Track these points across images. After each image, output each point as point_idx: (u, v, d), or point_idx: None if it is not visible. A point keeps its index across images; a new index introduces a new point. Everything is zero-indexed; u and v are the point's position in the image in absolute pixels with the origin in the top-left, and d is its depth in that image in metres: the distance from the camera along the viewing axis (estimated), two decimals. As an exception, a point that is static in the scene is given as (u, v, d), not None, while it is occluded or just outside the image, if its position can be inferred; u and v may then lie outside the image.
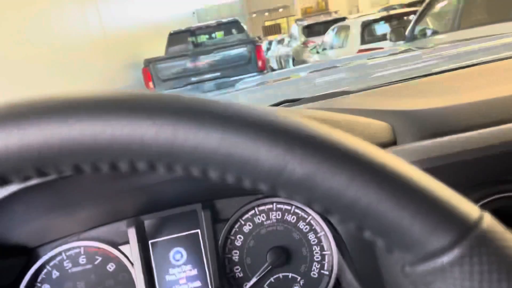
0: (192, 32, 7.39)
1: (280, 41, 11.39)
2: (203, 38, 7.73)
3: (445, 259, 0.18)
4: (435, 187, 0.19)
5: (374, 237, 0.20)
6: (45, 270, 0.63)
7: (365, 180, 0.19)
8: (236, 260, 0.65)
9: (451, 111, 0.47)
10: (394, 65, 1.34)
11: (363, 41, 5.30)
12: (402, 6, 8.62)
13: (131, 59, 7.48)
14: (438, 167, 0.40)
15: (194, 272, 0.64)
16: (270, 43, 13.77)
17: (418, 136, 0.46)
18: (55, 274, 0.63)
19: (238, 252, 0.65)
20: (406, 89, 0.70)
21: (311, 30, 8.63)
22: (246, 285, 0.64)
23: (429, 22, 4.22)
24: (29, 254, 0.63)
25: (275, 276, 0.64)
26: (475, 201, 0.41)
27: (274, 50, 11.74)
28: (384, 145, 0.47)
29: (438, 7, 4.13)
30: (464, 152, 0.40)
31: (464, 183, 0.44)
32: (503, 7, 3.21)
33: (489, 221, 0.19)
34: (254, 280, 0.63)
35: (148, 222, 0.64)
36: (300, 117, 0.21)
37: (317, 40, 7.51)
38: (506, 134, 0.40)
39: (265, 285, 0.64)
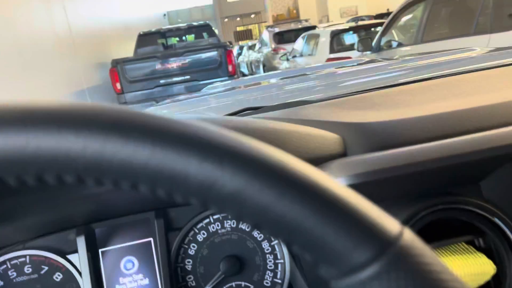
0: (162, 33, 7.31)
1: (251, 47, 11.45)
2: (173, 40, 7.64)
3: (365, 274, 0.19)
4: (358, 204, 0.20)
5: (302, 252, 0.20)
6: None
7: (292, 197, 0.20)
8: (189, 269, 0.64)
9: (399, 124, 0.49)
10: (361, 75, 1.37)
11: (332, 50, 5.41)
12: (370, 17, 8.86)
13: (99, 59, 7.32)
14: (383, 179, 0.41)
15: (146, 281, 0.63)
16: (241, 48, 13.83)
17: (367, 148, 0.47)
18: None
19: (191, 261, 0.64)
20: (363, 101, 0.71)
21: (282, 37, 8.73)
22: None
23: (394, 34, 4.36)
24: None
25: (227, 285, 0.64)
26: (417, 212, 0.42)
27: (245, 56, 11.79)
28: (334, 156, 0.48)
29: (403, 20, 4.27)
30: (408, 165, 0.41)
31: (408, 195, 0.45)
32: (463, 23, 3.36)
33: (408, 237, 0.20)
34: (206, 289, 0.63)
35: (99, 230, 0.63)
36: (231, 132, 0.21)
37: (287, 47, 7.59)
38: (447, 148, 0.41)
39: None
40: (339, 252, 0.19)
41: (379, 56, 4.00)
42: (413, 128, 0.47)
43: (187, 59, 5.75)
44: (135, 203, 0.62)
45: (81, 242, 0.60)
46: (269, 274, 0.64)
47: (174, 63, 5.73)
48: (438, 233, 0.45)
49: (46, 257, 0.61)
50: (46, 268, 0.62)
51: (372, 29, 5.67)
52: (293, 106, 0.80)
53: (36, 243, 0.62)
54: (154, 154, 0.19)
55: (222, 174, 0.20)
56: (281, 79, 1.70)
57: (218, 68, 5.73)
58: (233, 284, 0.64)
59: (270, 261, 0.64)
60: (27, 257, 0.61)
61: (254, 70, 9.86)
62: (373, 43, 4.33)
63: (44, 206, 0.54)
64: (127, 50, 7.23)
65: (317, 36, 5.97)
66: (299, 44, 6.60)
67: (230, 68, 5.74)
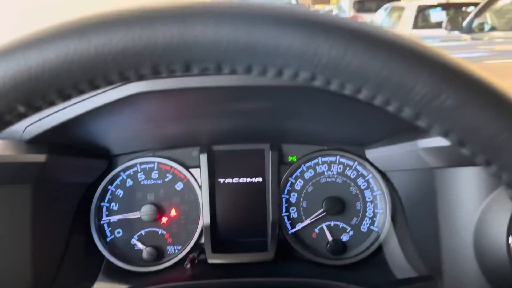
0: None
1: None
2: None
3: None
4: None
5: (500, 172, 0.23)
6: (120, 178, 0.69)
7: None
8: (293, 201, 0.69)
9: None
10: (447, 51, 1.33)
11: (415, 26, 5.13)
12: (463, -5, 8.17)
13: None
14: None
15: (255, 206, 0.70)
16: (316, 12, 13.38)
17: None
18: (129, 182, 0.69)
19: (296, 194, 0.69)
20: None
21: (362, 6, 8.36)
22: (298, 225, 0.69)
23: (488, 18, 4.05)
24: (110, 161, 0.69)
25: (327, 223, 0.69)
26: None
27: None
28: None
29: (500, 3, 3.94)
30: None
31: None
32: None
33: None
34: (307, 222, 0.68)
35: (218, 152, 0.69)
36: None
37: (367, 17, 7.28)
38: None
39: (315, 229, 0.69)
40: None
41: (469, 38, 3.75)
42: None
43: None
44: (253, 133, 0.67)
45: (203, 159, 0.67)
46: (367, 221, 0.68)
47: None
48: None
49: (171, 167, 0.69)
50: (170, 176, 0.69)
51: (464, 8, 5.28)
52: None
53: (164, 153, 0.70)
54: (386, 64, 0.23)
55: (448, 88, 0.23)
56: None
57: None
58: (332, 223, 0.69)
59: (369, 209, 0.68)
60: (155, 163, 0.69)
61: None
62: (464, 24, 4.05)
63: (183, 119, 0.60)
64: None
65: (401, 9, 5.66)
66: (380, 15, 6.31)
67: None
